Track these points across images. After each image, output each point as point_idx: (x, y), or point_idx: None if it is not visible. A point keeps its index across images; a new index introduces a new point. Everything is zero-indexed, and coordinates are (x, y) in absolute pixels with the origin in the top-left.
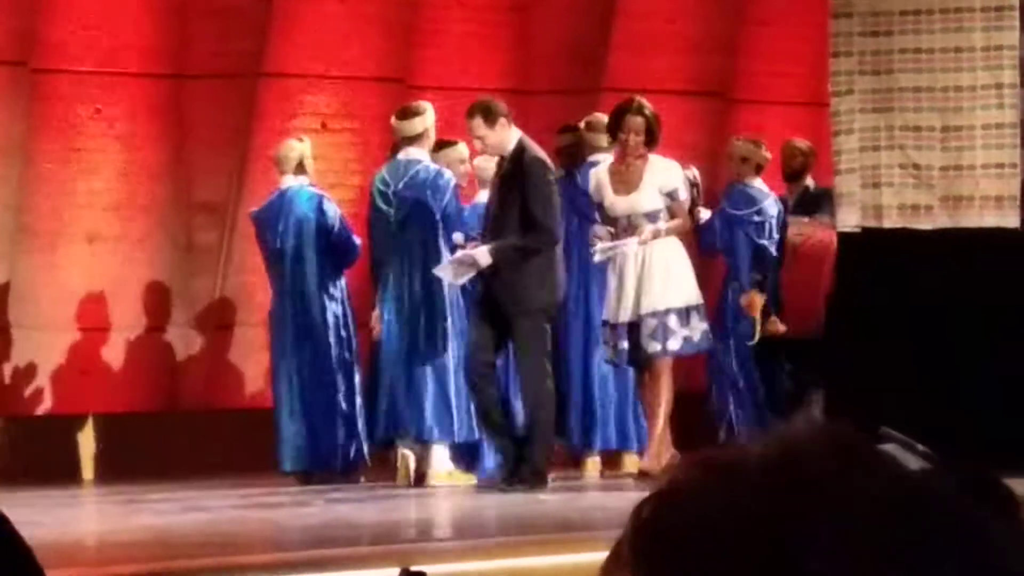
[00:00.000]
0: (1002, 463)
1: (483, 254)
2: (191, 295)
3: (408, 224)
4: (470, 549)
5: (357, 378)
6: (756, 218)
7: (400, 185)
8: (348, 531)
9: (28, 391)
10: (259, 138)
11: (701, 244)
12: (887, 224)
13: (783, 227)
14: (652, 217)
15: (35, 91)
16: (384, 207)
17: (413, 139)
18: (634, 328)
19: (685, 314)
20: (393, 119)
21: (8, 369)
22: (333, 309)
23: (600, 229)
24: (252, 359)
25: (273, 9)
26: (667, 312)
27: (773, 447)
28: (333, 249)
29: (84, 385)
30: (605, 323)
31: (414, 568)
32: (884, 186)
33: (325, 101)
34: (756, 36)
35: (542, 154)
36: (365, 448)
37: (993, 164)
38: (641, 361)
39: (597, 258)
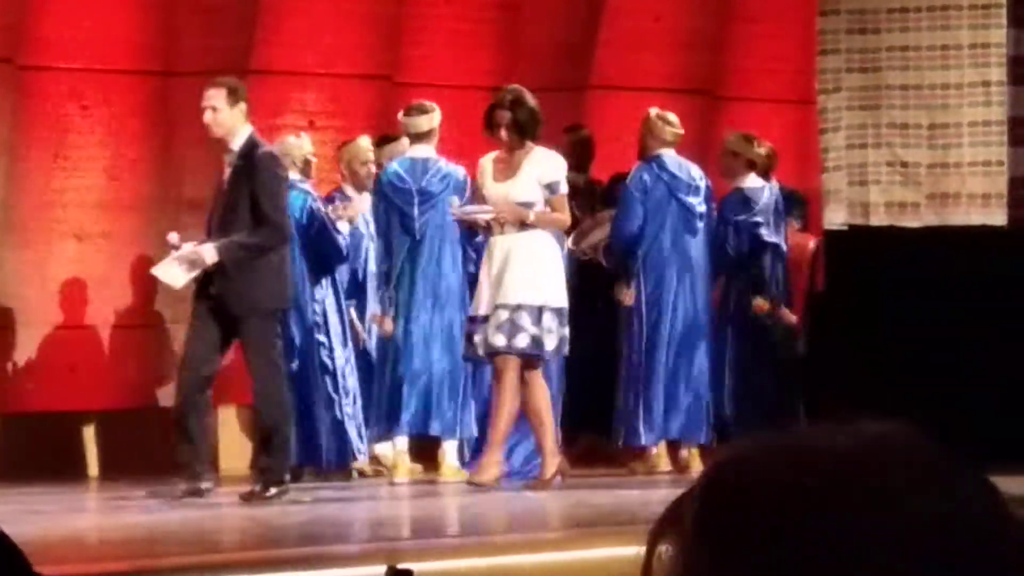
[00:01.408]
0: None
1: (210, 252)
2: (178, 292)
3: (430, 221)
4: (461, 547)
5: (349, 376)
6: (756, 218)
7: (423, 183)
8: (336, 528)
9: (15, 389)
10: None
11: (721, 264)
12: (874, 221)
13: (783, 215)
14: (528, 208)
15: (22, 88)
16: (401, 204)
17: (421, 136)
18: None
19: (537, 313)
20: (401, 116)
21: None
22: (317, 309)
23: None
24: (240, 357)
25: (260, 6)
26: (519, 307)
27: (848, 441)
28: (317, 250)
29: (72, 382)
30: (471, 317)
31: (401, 566)
32: (871, 184)
33: (312, 98)
34: (743, 34)
35: (274, 149)
36: (360, 446)
37: (980, 162)
38: (487, 356)
39: (451, 217)
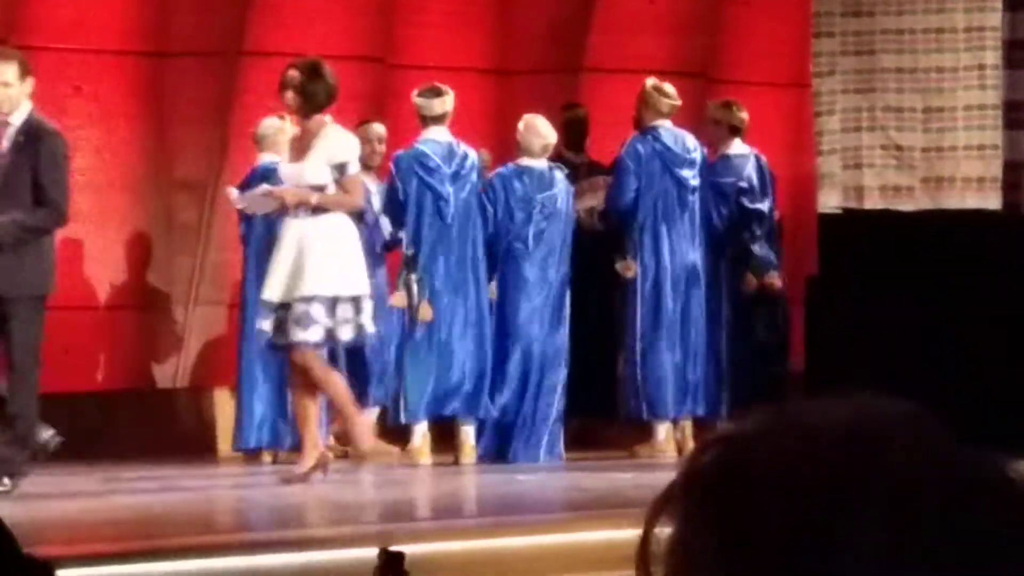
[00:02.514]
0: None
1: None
2: (172, 273)
3: (460, 203)
4: (454, 529)
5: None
6: (742, 184)
7: (455, 166)
8: (328, 511)
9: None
10: (239, 116)
11: (710, 233)
12: (868, 205)
13: (771, 182)
14: (319, 190)
15: None
16: (438, 186)
17: (436, 118)
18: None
19: (331, 304)
20: (416, 97)
21: None
22: None
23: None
24: (233, 338)
25: None
26: (312, 299)
27: (850, 416)
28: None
29: (67, 363)
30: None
31: (393, 548)
32: (866, 167)
33: None
34: (738, 16)
35: (57, 127)
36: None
37: (975, 145)
38: (282, 347)
39: (238, 205)
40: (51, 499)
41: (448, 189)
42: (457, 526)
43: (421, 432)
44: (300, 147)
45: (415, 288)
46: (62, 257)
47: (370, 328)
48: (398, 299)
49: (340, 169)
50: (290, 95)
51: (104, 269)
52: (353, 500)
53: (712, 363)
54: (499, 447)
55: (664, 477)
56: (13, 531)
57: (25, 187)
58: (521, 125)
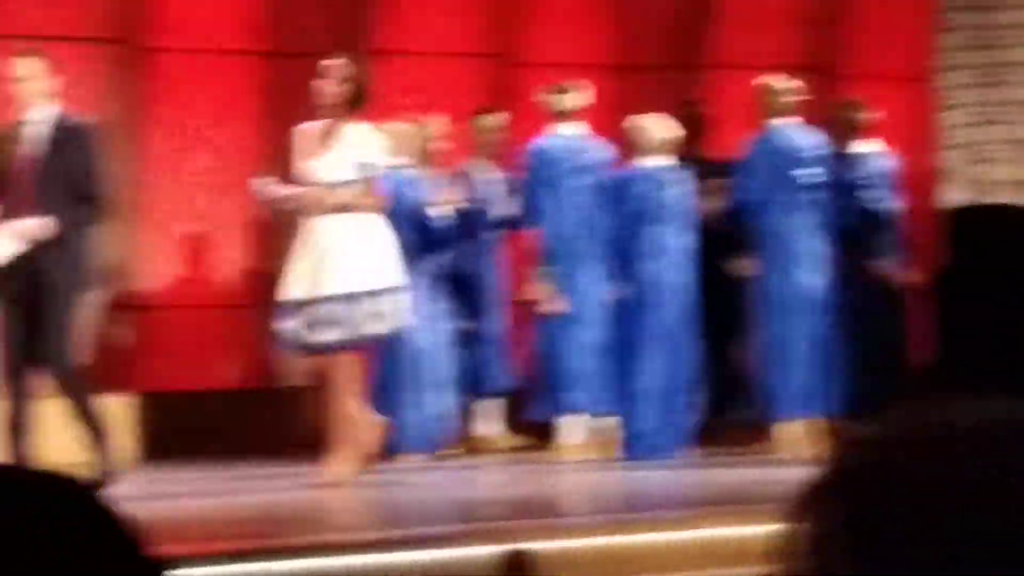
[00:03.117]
0: None
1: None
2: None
3: (588, 197)
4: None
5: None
6: (866, 180)
7: (582, 159)
8: (454, 508)
9: (146, 368)
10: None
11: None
12: (993, 199)
13: (895, 178)
14: (342, 188)
15: (140, 68)
16: (568, 181)
17: (565, 114)
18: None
19: (360, 300)
20: (545, 93)
21: (124, 346)
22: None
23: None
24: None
25: None
26: (340, 297)
27: (991, 421)
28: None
29: (188, 362)
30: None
31: (521, 546)
32: (991, 161)
33: (424, 77)
34: (858, 10)
35: (91, 119)
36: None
37: None
38: (316, 349)
39: (259, 196)
40: (177, 497)
41: (578, 184)
42: (584, 523)
43: (571, 426)
44: (326, 142)
45: (546, 281)
46: (184, 256)
47: (406, 320)
48: (531, 292)
49: (367, 168)
50: (335, 86)
51: (225, 268)
52: (481, 496)
53: (837, 359)
54: (631, 443)
55: (791, 473)
56: (137, 529)
57: (63, 184)
58: (636, 124)
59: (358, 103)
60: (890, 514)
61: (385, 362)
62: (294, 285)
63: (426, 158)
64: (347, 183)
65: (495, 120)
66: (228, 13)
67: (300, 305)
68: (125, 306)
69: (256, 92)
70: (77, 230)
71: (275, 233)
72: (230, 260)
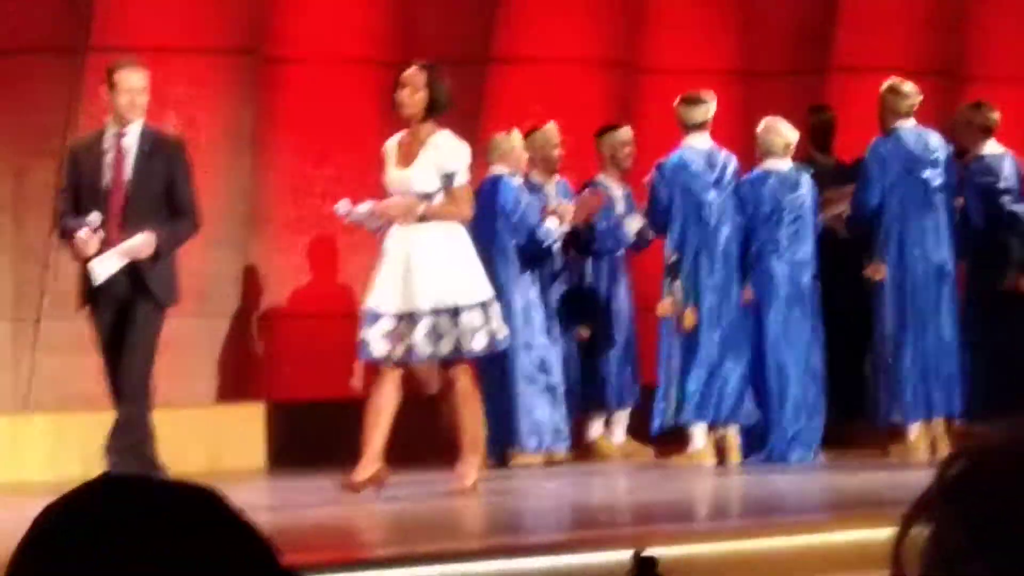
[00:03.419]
0: None
1: (150, 242)
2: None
3: (722, 210)
4: (704, 532)
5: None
6: (1000, 184)
7: (716, 172)
8: (577, 513)
9: (275, 378)
10: (487, 124)
11: (965, 236)
12: None
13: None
14: (427, 199)
15: (265, 79)
16: (701, 193)
17: (697, 126)
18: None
19: (455, 313)
20: (678, 104)
21: (244, 357)
22: (527, 298)
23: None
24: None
25: None
26: (435, 311)
27: None
28: (514, 237)
29: (326, 371)
30: (374, 313)
31: (647, 551)
32: None
33: (550, 84)
34: (984, 12)
35: (179, 135)
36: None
37: None
38: (403, 361)
39: (345, 220)
40: (305, 507)
41: (710, 196)
42: (709, 528)
43: (701, 434)
44: (408, 152)
45: (679, 295)
46: (311, 265)
47: (502, 333)
48: (665, 306)
49: (449, 178)
50: (411, 94)
51: (352, 277)
52: (605, 502)
53: (963, 363)
54: (757, 448)
55: (917, 477)
56: (268, 538)
57: (156, 197)
58: (760, 127)
59: (437, 110)
60: (1010, 517)
61: (496, 370)
62: (385, 297)
63: (547, 166)
64: (430, 194)
65: (621, 135)
66: (354, 23)
67: (398, 317)
68: (254, 316)
69: (382, 101)
70: (171, 246)
71: None
72: (356, 269)
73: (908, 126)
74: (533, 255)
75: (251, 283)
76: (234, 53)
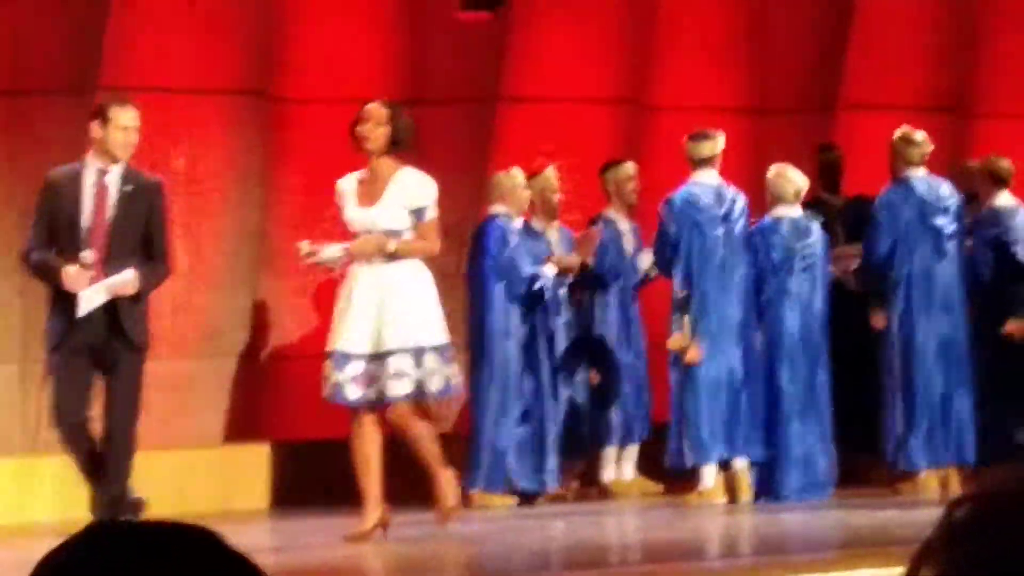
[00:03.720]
0: None
1: (135, 280)
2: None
3: (729, 246)
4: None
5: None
6: (1008, 236)
7: (724, 209)
8: (592, 552)
9: (279, 417)
10: (497, 162)
11: (975, 284)
12: None
13: None
14: (394, 236)
15: (274, 119)
16: (709, 229)
17: (704, 161)
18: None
19: (417, 355)
20: (687, 140)
21: (252, 397)
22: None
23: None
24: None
25: (509, 32)
26: (404, 351)
27: None
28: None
29: (332, 410)
30: (344, 355)
31: None
32: None
33: (558, 123)
34: (995, 50)
35: (157, 176)
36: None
37: None
38: (378, 402)
39: (307, 260)
40: (308, 548)
41: (718, 232)
42: (721, 567)
43: (712, 473)
44: (371, 191)
45: (682, 330)
46: (326, 306)
47: (456, 378)
48: (675, 341)
49: (418, 214)
50: (373, 128)
51: None
52: (616, 540)
53: (972, 410)
54: (767, 485)
55: (928, 515)
56: None
57: (134, 238)
58: (771, 173)
59: (399, 147)
60: (1016, 560)
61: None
62: (355, 338)
63: (547, 211)
64: (398, 231)
65: (625, 170)
66: (362, 63)
67: (368, 358)
68: (261, 355)
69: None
70: (151, 287)
71: None
72: None
73: (919, 175)
74: (523, 300)
75: (259, 323)
76: (242, 94)
